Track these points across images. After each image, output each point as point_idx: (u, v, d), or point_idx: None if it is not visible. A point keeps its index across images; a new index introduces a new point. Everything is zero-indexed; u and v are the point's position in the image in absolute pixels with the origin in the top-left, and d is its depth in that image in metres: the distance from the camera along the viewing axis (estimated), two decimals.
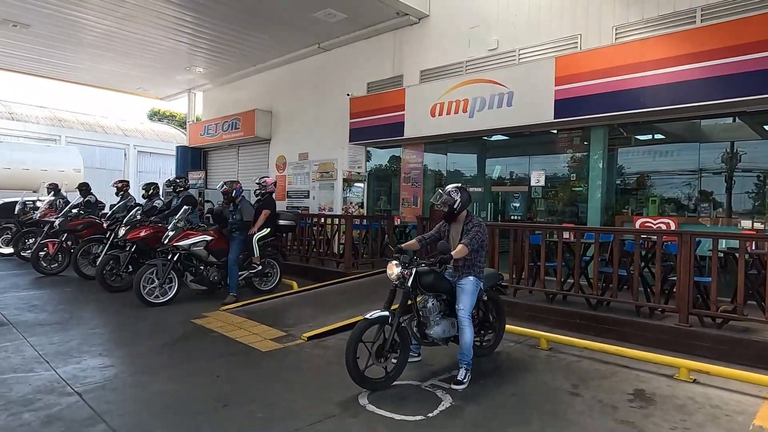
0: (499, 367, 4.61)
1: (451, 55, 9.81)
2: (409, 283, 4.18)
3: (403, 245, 4.54)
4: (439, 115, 9.29)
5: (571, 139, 8.46)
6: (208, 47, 12.53)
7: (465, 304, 4.32)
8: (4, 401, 3.51)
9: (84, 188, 10.99)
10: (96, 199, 10.77)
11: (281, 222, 7.84)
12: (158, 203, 8.77)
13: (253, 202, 7.97)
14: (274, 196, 7.96)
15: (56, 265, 9.00)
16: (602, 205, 7.94)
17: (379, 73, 11.08)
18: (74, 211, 9.46)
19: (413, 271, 4.20)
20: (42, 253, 8.92)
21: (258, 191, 7.87)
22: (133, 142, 32.58)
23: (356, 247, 9.15)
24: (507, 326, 5.12)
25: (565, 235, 6.33)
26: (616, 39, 7.71)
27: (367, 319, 3.99)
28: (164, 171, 36.68)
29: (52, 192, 12.22)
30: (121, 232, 7.60)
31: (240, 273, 7.22)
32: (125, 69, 14.50)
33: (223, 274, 7.13)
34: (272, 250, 7.81)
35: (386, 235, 9.60)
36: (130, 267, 7.51)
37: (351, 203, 10.95)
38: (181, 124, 47.17)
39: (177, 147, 16.97)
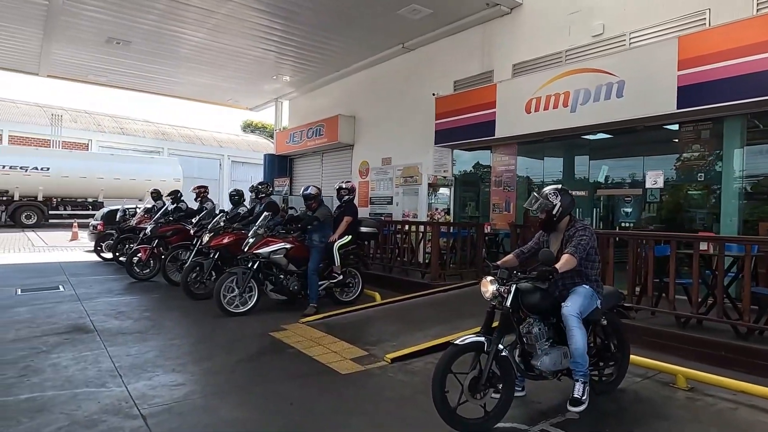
0: (626, 410, 3.73)
1: (548, 45, 8.87)
2: (508, 303, 3.46)
3: (499, 262, 3.80)
4: (535, 110, 8.39)
5: (698, 132, 7.20)
6: (294, 54, 12.54)
7: (574, 303, 3.54)
8: (69, 421, 3.27)
9: (175, 195, 11.33)
10: (187, 206, 11.05)
11: (363, 229, 7.38)
12: (242, 210, 8.70)
13: (334, 208, 7.61)
14: (355, 201, 7.52)
15: (148, 270, 9.22)
16: (739, 210, 6.63)
17: (467, 69, 10.36)
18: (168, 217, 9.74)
19: (512, 288, 3.48)
20: (135, 259, 9.18)
21: (345, 195, 7.45)
22: (228, 153, 34.35)
23: (443, 257, 8.46)
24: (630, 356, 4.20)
25: (701, 246, 5.22)
26: (757, 10, 6.42)
27: (456, 345, 3.31)
28: (255, 179, 37.93)
29: (154, 198, 12.66)
30: (205, 239, 7.53)
31: (320, 283, 6.84)
32: (217, 81, 14.99)
33: (303, 283, 6.78)
34: (354, 258, 7.37)
35: (478, 247, 8.81)
36: (213, 274, 7.41)
37: (436, 210, 10.30)
38: (271, 134, 49.22)
39: (265, 155, 17.31)
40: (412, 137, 11.39)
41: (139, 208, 13.29)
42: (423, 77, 11.32)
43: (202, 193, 10.12)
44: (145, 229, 9.95)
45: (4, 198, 22.10)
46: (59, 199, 23.91)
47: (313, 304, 6.63)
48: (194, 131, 34.82)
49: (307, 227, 6.87)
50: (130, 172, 25.31)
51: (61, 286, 8.32)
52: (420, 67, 11.49)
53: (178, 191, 11.59)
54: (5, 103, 27.53)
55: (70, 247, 15.56)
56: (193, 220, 9.15)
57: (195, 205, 10.14)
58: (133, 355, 4.73)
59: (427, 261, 8.64)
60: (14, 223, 22.31)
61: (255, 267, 6.47)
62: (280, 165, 16.68)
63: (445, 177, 10.42)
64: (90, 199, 24.55)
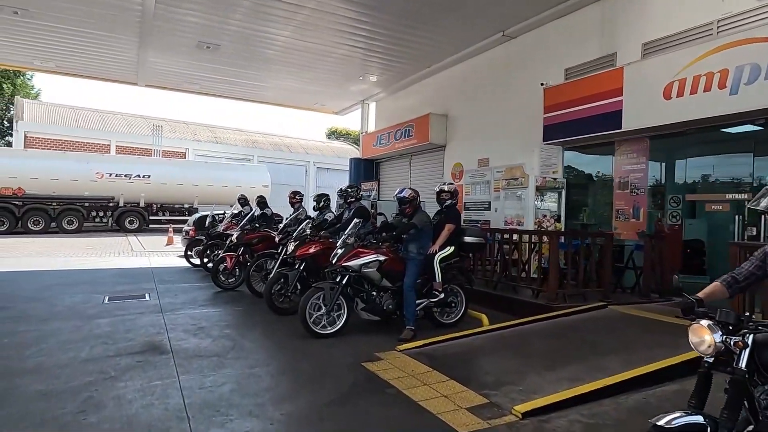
0: None
1: (691, 16, 7.28)
2: (743, 364, 2.22)
3: (701, 294, 2.55)
4: (677, 95, 6.85)
5: None
6: (382, 51, 11.75)
7: None
8: None
9: (261, 201, 10.94)
10: (272, 212, 10.60)
11: (468, 239, 6.29)
12: (329, 216, 7.97)
13: (432, 214, 6.59)
14: (458, 206, 6.47)
15: (233, 279, 8.78)
16: None
17: (581, 54, 8.94)
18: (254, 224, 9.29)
19: (749, 341, 2.23)
20: (221, 267, 8.77)
21: (447, 200, 6.43)
22: (313, 159, 34.67)
23: (563, 273, 7.13)
24: None
25: None
26: None
27: (662, 429, 2.14)
28: (340, 185, 38.11)
29: (241, 203, 12.41)
30: (290, 248, 6.84)
31: (419, 302, 5.85)
32: (304, 84, 14.62)
33: (398, 301, 5.82)
34: (457, 273, 6.30)
35: (605, 261, 7.35)
36: (298, 287, 6.70)
37: (544, 216, 8.96)
38: (356, 140, 49.41)
39: (351, 159, 16.76)
40: (515, 135, 10.13)
41: (228, 213, 13.14)
42: (527, 67, 10.03)
43: (295, 199, 9.54)
44: (231, 235, 9.59)
45: (111, 204, 23.51)
46: (158, 205, 25.10)
47: (410, 327, 5.66)
48: (282, 139, 35.54)
49: (403, 236, 5.92)
50: (222, 179, 26.05)
51: (147, 295, 8.04)
52: (523, 56, 10.21)
53: (263, 197, 11.22)
54: (113, 115, 29.62)
55: (165, 252, 15.89)
56: (280, 226, 8.60)
57: (285, 213, 9.57)
58: (207, 387, 4.00)
59: (540, 276, 7.34)
60: (119, 227, 23.67)
61: (344, 282, 5.61)
62: (366, 169, 16.01)
63: (555, 179, 9.05)
64: (186, 205, 25.55)
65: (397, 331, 5.74)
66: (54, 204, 22.03)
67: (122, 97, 75.02)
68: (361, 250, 5.73)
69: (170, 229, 18.67)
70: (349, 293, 5.72)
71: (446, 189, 6.38)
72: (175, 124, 30.84)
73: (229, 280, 8.73)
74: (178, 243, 18.31)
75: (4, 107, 30.30)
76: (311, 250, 6.58)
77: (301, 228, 7.03)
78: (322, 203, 8.26)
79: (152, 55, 12.75)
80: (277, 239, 8.08)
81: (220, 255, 9.06)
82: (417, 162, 14.03)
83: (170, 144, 28.52)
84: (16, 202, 21.21)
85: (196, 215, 15.70)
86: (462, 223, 6.36)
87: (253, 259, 8.33)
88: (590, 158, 9.36)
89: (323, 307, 5.55)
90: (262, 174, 27.71)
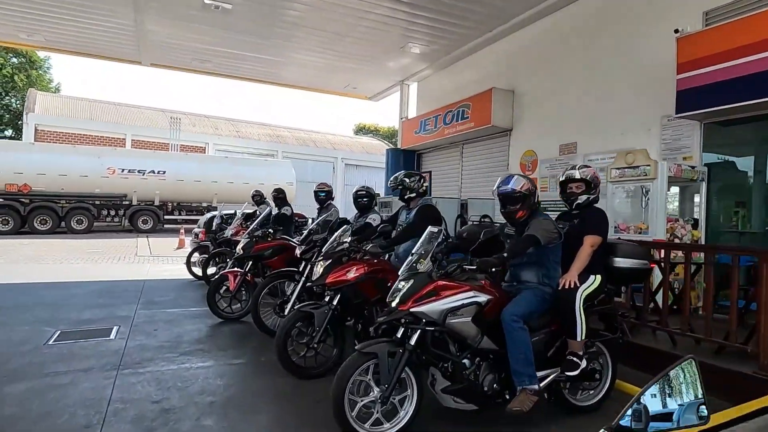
0: None
1: None
2: None
3: None
4: None
5: None
6: (431, 11, 9.24)
7: None
8: None
9: (279, 197, 8.53)
10: (292, 211, 8.22)
11: (620, 262, 3.66)
12: (374, 219, 5.48)
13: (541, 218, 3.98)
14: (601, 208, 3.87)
15: (237, 306, 6.39)
16: None
17: None
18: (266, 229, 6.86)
19: None
20: (222, 288, 6.39)
21: (585, 194, 3.74)
22: (341, 155, 32.36)
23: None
24: None
25: None
26: None
27: None
28: (369, 184, 35.48)
29: (257, 202, 10.07)
30: (318, 270, 4.39)
31: (541, 373, 3.29)
32: (332, 59, 12.22)
33: (506, 377, 3.26)
34: (604, 320, 3.71)
35: None
36: (330, 333, 4.24)
37: (677, 221, 6.27)
38: (387, 136, 47.07)
39: (388, 150, 14.28)
40: (620, 110, 7.49)
41: (239, 213, 10.81)
42: (638, 16, 7.37)
43: (323, 194, 7.24)
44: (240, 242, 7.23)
45: (123, 202, 21.64)
46: (174, 204, 23.16)
47: (529, 388, 3.10)
48: (308, 134, 33.36)
49: (515, 257, 3.37)
50: (244, 175, 23.93)
51: (115, 330, 5.70)
52: (632, 1, 7.54)
53: (281, 191, 8.78)
54: (130, 108, 27.90)
55: (173, 258, 13.72)
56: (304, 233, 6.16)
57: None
58: None
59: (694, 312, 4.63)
60: (132, 228, 21.79)
61: (414, 341, 3.10)
62: (405, 161, 13.49)
63: (693, 167, 6.35)
64: (204, 204, 23.54)
65: (505, 421, 3.22)
66: (62, 202, 20.25)
67: (144, 92, 74.48)
68: (444, 284, 3.19)
69: (182, 231, 16.55)
70: (421, 360, 3.20)
71: (579, 176, 3.72)
72: (195, 117, 28.96)
73: (232, 308, 6.34)
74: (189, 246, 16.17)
75: (18, 101, 28.94)
76: (350, 276, 4.10)
77: (335, 238, 4.56)
78: (366, 201, 5.79)
79: (152, 23, 10.54)
80: (298, 252, 5.63)
81: (221, 273, 6.69)
82: (471, 151, 11.45)
83: (189, 138, 26.58)
84: (22, 200, 19.48)
85: (207, 215, 13.46)
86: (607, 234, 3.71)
87: (266, 278, 5.91)
88: (743, 136, 6.64)
89: (375, 389, 3.07)
90: (287, 170, 25.52)
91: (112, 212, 21.46)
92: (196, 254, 9.91)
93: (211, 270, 8.84)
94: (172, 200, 22.85)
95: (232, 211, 10.68)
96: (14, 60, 28.06)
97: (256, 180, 24.32)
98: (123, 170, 21.21)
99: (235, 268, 6.48)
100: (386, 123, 54.70)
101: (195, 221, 23.79)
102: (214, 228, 9.83)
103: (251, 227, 6.88)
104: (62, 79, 66.37)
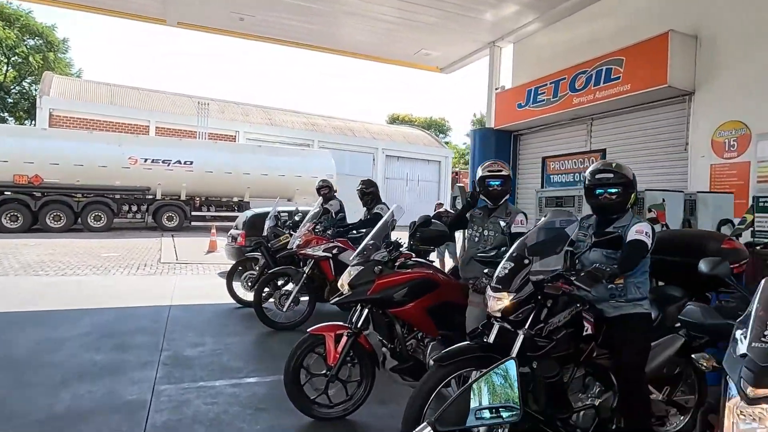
0: None
1: None
2: None
3: None
4: None
5: None
6: None
7: None
8: None
9: (326, 189, 6.95)
10: (341, 205, 5.90)
11: None
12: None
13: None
14: None
15: (340, 393, 3.47)
16: None
17: None
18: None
19: None
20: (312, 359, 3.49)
21: None
22: (382, 146, 29.40)
23: None
24: None
25: None
26: None
27: None
28: (411, 177, 32.97)
29: (325, 197, 7.30)
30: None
31: None
32: (407, 12, 9.28)
33: None
34: None
35: None
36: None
37: None
38: (425, 126, 44.01)
39: (474, 132, 11.22)
40: None
41: (300, 212, 7.99)
42: None
43: (368, 193, 5.87)
44: (317, 257, 4.46)
45: (147, 196, 19.13)
46: (202, 199, 20.58)
47: None
48: (345, 122, 30.52)
49: None
50: (279, 166, 21.25)
51: None
52: None
53: (327, 182, 7.25)
54: (154, 93, 25.45)
55: (203, 266, 11.02)
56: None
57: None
58: None
59: None
60: (156, 225, 19.28)
61: None
62: (499, 145, 10.47)
63: None
64: (235, 199, 20.93)
65: None
66: (78, 196, 17.83)
67: (168, 80, 72.59)
68: None
69: (213, 231, 13.84)
70: None
71: None
72: (223, 103, 26.36)
73: (329, 396, 3.43)
74: (223, 250, 13.48)
75: (31, 84, 26.78)
76: None
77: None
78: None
79: None
80: None
81: (310, 331, 3.81)
82: (607, 128, 8.38)
83: (218, 126, 24.00)
84: (33, 193, 17.10)
85: (248, 213, 10.70)
86: None
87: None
88: None
89: None
90: (326, 161, 22.72)
91: (134, 207, 18.97)
92: (250, 272, 7.02)
93: (266, 290, 5.99)
94: (199, 194, 20.28)
95: (295, 209, 7.91)
96: (30, 42, 25.89)
97: (292, 172, 21.64)
98: (146, 160, 18.67)
99: (336, 323, 3.55)
100: (421, 113, 51.63)
101: (225, 218, 21.29)
102: (266, 232, 6.98)
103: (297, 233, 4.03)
104: (84, 65, 64.62)
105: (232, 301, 6.90)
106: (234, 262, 10.58)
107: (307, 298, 5.69)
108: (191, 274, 10.03)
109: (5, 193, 16.81)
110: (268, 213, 10.38)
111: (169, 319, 5.97)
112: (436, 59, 12.31)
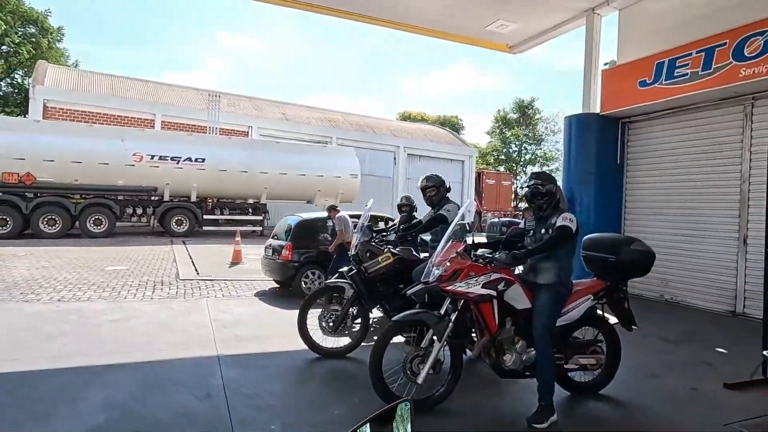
0: None
1: None
2: None
3: None
4: None
5: None
6: None
7: None
8: None
9: (407, 208, 6.36)
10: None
11: None
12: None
13: None
14: None
15: None
16: None
17: None
18: None
19: None
20: None
21: None
22: (404, 144, 27.32)
23: None
24: None
25: None
26: None
27: None
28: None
29: (407, 209, 5.56)
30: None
31: None
32: None
33: None
34: None
35: None
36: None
37: None
38: (443, 122, 41.95)
39: (569, 118, 9.09)
40: None
41: (392, 222, 5.93)
42: None
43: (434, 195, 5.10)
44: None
45: (153, 198, 17.00)
46: (214, 201, 18.46)
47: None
48: (364, 118, 28.47)
49: None
50: (299, 164, 19.16)
51: None
52: None
53: (412, 203, 6.52)
54: (159, 85, 23.30)
55: (232, 283, 8.91)
56: None
57: None
58: None
59: None
60: (163, 229, 17.16)
61: None
62: (602, 135, 8.44)
63: None
64: (251, 200, 18.81)
65: None
66: (76, 197, 15.67)
67: (174, 70, 70.09)
68: None
69: (237, 239, 11.70)
70: None
71: None
72: (234, 97, 24.26)
73: None
74: (250, 261, 11.39)
75: (24, 77, 24.55)
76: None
77: None
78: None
79: None
80: None
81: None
82: None
83: (229, 121, 21.91)
84: (25, 194, 14.94)
85: (291, 220, 8.58)
86: None
87: None
88: None
89: None
90: (350, 159, 20.65)
91: (139, 210, 16.81)
92: (334, 309, 4.92)
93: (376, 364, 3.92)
94: (211, 195, 18.17)
95: (384, 217, 6.11)
96: (20, 30, 23.66)
97: (312, 171, 19.54)
98: (153, 157, 16.54)
99: None
100: (434, 111, 49.55)
101: (240, 222, 19.16)
102: (355, 250, 4.86)
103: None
104: (81, 56, 62.11)
105: (300, 345, 4.81)
106: (274, 279, 8.57)
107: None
108: (222, 295, 7.93)
109: None
110: (316, 220, 8.37)
111: (226, 388, 3.86)
112: (509, 35, 10.27)
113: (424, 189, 5.10)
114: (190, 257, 11.82)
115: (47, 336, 5.14)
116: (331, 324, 4.66)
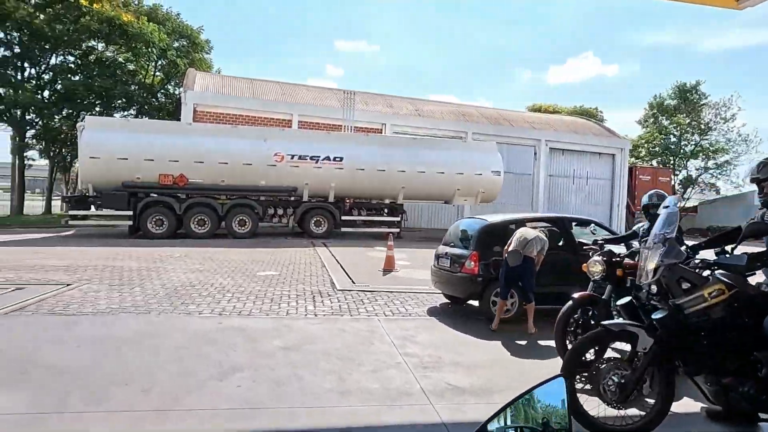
0: None
1: None
2: None
3: None
4: None
5: None
6: None
7: None
8: None
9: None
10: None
11: None
12: None
13: None
14: None
15: None
16: None
17: None
18: None
19: None
20: None
21: None
22: (545, 137, 24.74)
23: None
24: None
25: None
26: None
27: None
28: (579, 174, 27.46)
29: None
30: None
31: None
32: None
33: None
34: None
35: None
36: None
37: None
38: (583, 112, 38.25)
39: None
40: None
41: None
42: None
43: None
44: None
45: (292, 198, 16.69)
46: (352, 200, 17.74)
47: None
48: (499, 111, 26.37)
49: None
50: (437, 162, 17.74)
51: None
52: None
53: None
54: (294, 86, 23.42)
55: (394, 296, 7.64)
56: None
57: None
58: None
59: None
60: (302, 230, 16.79)
61: None
62: None
63: None
64: (387, 201, 17.79)
65: None
66: (222, 198, 15.82)
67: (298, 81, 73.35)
68: None
69: (390, 243, 10.51)
70: None
71: None
72: (366, 95, 23.62)
73: None
74: (402, 267, 10.15)
75: (175, 86, 26.18)
76: None
77: None
78: None
79: None
80: None
81: None
82: None
83: (363, 119, 21.23)
84: (178, 195, 15.35)
85: (474, 224, 7.07)
86: None
87: None
88: None
89: None
90: (492, 156, 18.79)
91: (279, 211, 16.58)
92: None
93: None
94: (348, 195, 17.44)
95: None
96: (175, 44, 25.32)
97: (452, 169, 18.00)
98: (293, 156, 16.19)
99: None
100: (567, 102, 45.55)
101: (376, 223, 18.28)
102: (654, 278, 3.16)
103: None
104: (220, 63, 67.32)
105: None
106: (449, 294, 7.15)
107: None
108: (390, 312, 6.67)
109: (151, 195, 15.24)
110: (506, 223, 6.78)
111: None
112: None
113: (760, 181, 3.19)
114: (339, 262, 10.91)
115: (217, 367, 4.15)
116: (615, 391, 3.00)
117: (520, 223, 6.58)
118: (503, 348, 5.24)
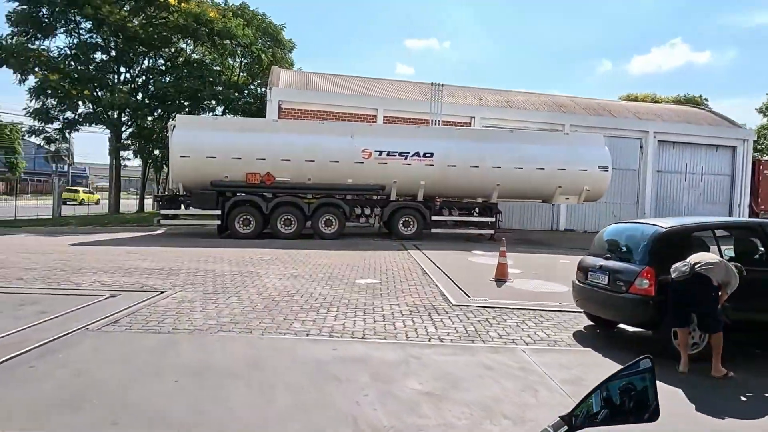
0: None
1: None
2: None
3: None
4: None
5: None
6: None
7: None
8: None
9: None
10: None
11: None
12: None
13: None
14: None
15: None
16: None
17: None
18: None
19: None
20: None
21: None
22: (653, 129, 22.14)
23: None
24: None
25: None
26: None
27: None
28: (692, 170, 24.44)
29: None
30: None
31: None
32: None
33: None
34: None
35: None
36: None
37: None
38: (692, 101, 34.66)
39: None
40: None
41: None
42: None
43: None
44: None
45: (379, 197, 15.76)
46: (442, 200, 16.51)
47: None
48: (596, 101, 24.06)
49: None
50: (537, 157, 16.08)
51: None
52: None
53: None
54: (378, 81, 22.56)
55: (525, 314, 6.35)
56: None
57: None
58: None
59: None
60: (388, 231, 15.84)
61: None
62: None
63: None
64: (480, 200, 16.39)
65: None
66: (309, 196, 15.20)
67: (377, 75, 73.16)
68: None
69: (503, 249, 9.18)
70: None
71: None
72: (452, 88, 22.26)
73: None
74: (515, 277, 8.83)
75: (259, 86, 26.22)
76: None
77: None
78: None
79: None
80: None
81: None
82: None
83: (451, 112, 19.94)
84: (264, 194, 14.91)
85: (628, 229, 5.71)
86: None
87: None
88: None
89: None
90: (597, 148, 16.82)
91: (366, 210, 15.70)
92: None
93: None
94: (438, 194, 16.22)
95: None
96: (259, 43, 25.39)
97: (552, 164, 16.22)
98: (381, 153, 15.23)
99: None
100: (667, 92, 41.58)
101: (468, 224, 16.97)
102: None
103: None
104: (301, 62, 68.53)
105: None
106: (606, 317, 5.76)
107: None
108: (531, 339, 5.41)
109: (238, 194, 14.92)
110: (689, 229, 5.31)
111: None
112: None
113: None
114: (440, 269, 9.76)
115: (353, 426, 3.13)
116: None
117: (706, 228, 5.08)
118: (691, 399, 3.85)
